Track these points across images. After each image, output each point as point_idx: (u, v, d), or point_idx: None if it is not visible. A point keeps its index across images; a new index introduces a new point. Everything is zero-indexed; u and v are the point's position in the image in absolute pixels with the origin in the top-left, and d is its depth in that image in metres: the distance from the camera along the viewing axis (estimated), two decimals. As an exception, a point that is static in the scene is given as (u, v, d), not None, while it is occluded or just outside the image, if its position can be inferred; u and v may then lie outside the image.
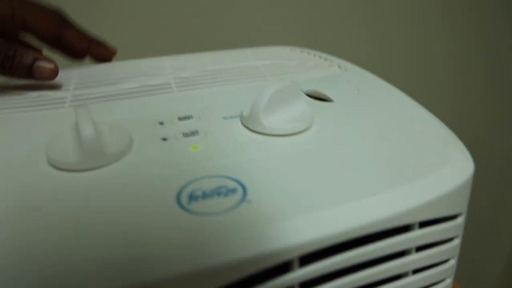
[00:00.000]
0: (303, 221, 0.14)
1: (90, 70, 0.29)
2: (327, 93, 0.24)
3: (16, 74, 0.24)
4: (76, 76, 0.28)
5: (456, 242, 0.19)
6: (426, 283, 0.18)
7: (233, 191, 0.16)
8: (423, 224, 0.17)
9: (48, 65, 0.24)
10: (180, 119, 0.21)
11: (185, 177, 0.17)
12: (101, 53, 0.30)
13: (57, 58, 0.26)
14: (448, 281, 0.20)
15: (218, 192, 0.16)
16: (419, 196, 0.16)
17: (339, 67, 0.29)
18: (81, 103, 0.23)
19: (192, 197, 0.15)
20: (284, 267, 0.14)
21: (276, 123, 0.20)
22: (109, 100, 0.24)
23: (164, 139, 0.20)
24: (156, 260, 0.13)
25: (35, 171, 0.17)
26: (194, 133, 0.20)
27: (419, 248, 0.17)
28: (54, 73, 0.24)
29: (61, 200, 0.15)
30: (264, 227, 0.14)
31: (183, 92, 0.25)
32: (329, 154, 0.18)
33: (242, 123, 0.21)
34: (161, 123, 0.21)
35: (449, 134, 0.20)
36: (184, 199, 0.15)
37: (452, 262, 0.19)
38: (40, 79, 0.25)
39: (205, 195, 0.16)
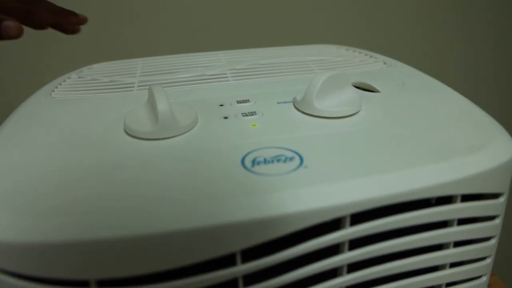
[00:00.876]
0: (354, 183, 0.16)
1: (152, 61, 0.32)
2: (374, 84, 0.26)
3: None
4: (140, 66, 0.31)
5: (497, 221, 0.20)
6: (468, 257, 0.20)
7: (291, 159, 0.18)
8: (466, 198, 0.18)
9: (12, 24, 0.24)
10: (238, 102, 0.24)
11: (247, 146, 0.19)
12: (71, 21, 0.28)
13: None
14: (488, 260, 0.21)
15: (278, 159, 0.18)
16: (462, 170, 0.18)
17: (384, 63, 0.31)
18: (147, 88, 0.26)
19: (255, 162, 0.18)
20: (335, 225, 0.16)
21: (327, 107, 0.22)
22: (172, 86, 0.27)
23: (226, 118, 0.22)
24: (219, 208, 0.15)
25: (116, 139, 0.20)
26: (252, 113, 0.22)
27: (461, 222, 0.19)
28: (20, 30, 0.25)
29: (141, 162, 0.18)
30: (318, 187, 0.16)
31: (239, 81, 0.27)
32: (377, 134, 0.20)
33: (295, 107, 0.23)
34: (221, 105, 0.24)
35: (491, 120, 0.22)
36: (248, 163, 0.18)
37: (493, 242, 0.20)
38: (7, 38, 0.25)
39: (266, 161, 0.18)
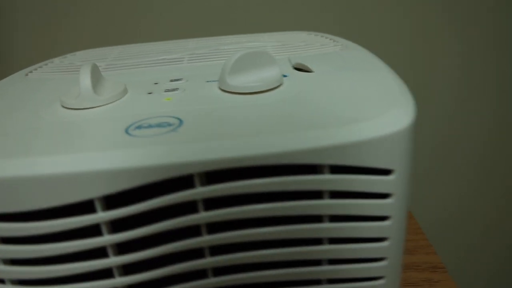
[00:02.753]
0: (211, 144, 0.18)
1: (129, 48, 0.36)
2: (310, 65, 0.26)
3: None
4: (116, 52, 0.35)
5: (390, 201, 0.19)
6: (352, 235, 0.20)
7: (171, 124, 0.20)
8: (339, 170, 0.18)
9: None
10: (172, 80, 0.26)
11: (143, 115, 0.21)
12: None
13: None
14: (384, 243, 0.20)
15: (160, 125, 0.20)
16: (329, 139, 0.18)
17: (343, 47, 0.30)
18: (111, 70, 0.30)
19: (138, 127, 0.20)
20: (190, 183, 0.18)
21: (241, 83, 0.23)
22: (131, 68, 0.30)
23: (150, 93, 0.24)
24: (81, 158, 0.18)
25: (50, 108, 0.23)
26: (174, 89, 0.24)
27: (338, 195, 0.19)
28: None
29: (46, 123, 0.21)
30: (174, 147, 0.18)
31: (192, 63, 0.30)
32: (272, 106, 0.21)
33: (218, 85, 0.24)
34: (156, 83, 0.26)
35: (404, 98, 0.21)
36: (131, 128, 0.20)
37: (387, 223, 0.20)
38: None
39: (149, 126, 0.20)
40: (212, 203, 0.18)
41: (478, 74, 0.58)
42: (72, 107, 0.23)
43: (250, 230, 0.19)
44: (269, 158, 0.17)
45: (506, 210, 0.68)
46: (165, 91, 0.24)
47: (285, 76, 0.25)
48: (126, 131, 0.20)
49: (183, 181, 0.18)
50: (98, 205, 0.18)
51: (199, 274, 0.20)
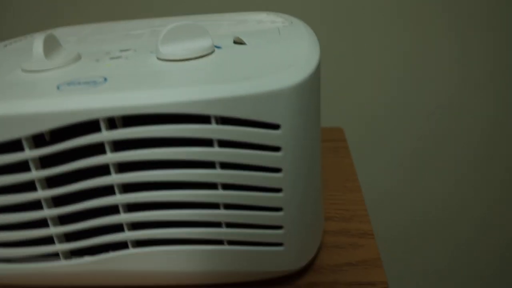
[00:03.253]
0: (115, 95, 0.21)
1: (105, 25, 0.40)
2: (246, 39, 0.29)
3: None
4: (91, 28, 0.39)
5: (279, 154, 0.22)
6: (241, 181, 0.22)
7: (96, 82, 0.23)
8: (227, 121, 0.21)
9: None
10: (121, 51, 0.30)
11: (79, 76, 0.25)
12: None
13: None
14: (280, 194, 0.23)
15: (87, 82, 0.23)
16: (220, 92, 0.21)
17: (289, 24, 0.33)
18: (82, 43, 0.34)
19: (69, 84, 0.23)
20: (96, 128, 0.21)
21: (171, 51, 0.26)
22: (97, 42, 0.33)
23: (97, 60, 0.28)
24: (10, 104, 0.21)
25: (13, 72, 0.27)
26: (118, 57, 0.28)
27: (228, 145, 0.22)
28: None
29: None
30: (85, 97, 0.21)
31: (149, 38, 0.33)
32: (192, 69, 0.24)
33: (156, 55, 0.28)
34: (107, 53, 0.30)
35: (304, 59, 0.23)
36: (62, 85, 0.23)
37: (280, 175, 0.22)
38: None
39: (78, 83, 0.23)
40: (119, 146, 0.22)
41: (475, 62, 0.58)
42: (26, 70, 0.27)
43: (154, 172, 0.22)
44: (164, 107, 0.21)
45: (499, 206, 0.67)
46: (110, 59, 0.28)
47: (218, 47, 0.28)
48: (58, 87, 0.23)
49: (91, 125, 0.21)
50: (25, 144, 0.22)
51: (112, 210, 0.24)
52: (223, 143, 0.22)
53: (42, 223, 0.24)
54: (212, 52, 0.27)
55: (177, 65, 0.25)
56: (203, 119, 0.21)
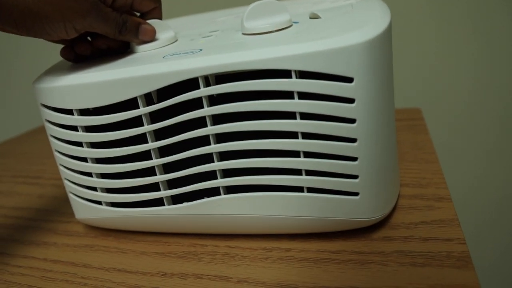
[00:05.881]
0: (211, 57, 0.25)
1: (192, 17, 0.45)
2: (321, 14, 0.32)
3: (127, 37, 0.31)
4: (181, 20, 0.45)
5: (353, 105, 0.25)
6: (322, 131, 0.25)
7: (194, 52, 0.28)
8: (306, 75, 0.24)
9: (150, 27, 0.31)
10: (211, 31, 0.35)
11: (179, 50, 0.30)
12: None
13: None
14: (355, 144, 0.26)
15: (186, 52, 0.28)
16: (300, 49, 0.24)
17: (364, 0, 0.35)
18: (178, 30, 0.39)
19: (172, 55, 0.28)
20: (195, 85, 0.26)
21: (255, 25, 0.30)
22: (187, 29, 0.39)
23: (192, 39, 0.33)
24: (135, 68, 0.27)
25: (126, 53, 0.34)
26: (209, 36, 0.33)
27: (309, 97, 0.25)
28: (154, 33, 0.32)
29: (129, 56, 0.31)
30: (186, 60, 0.26)
31: (234, 21, 0.38)
32: (273, 37, 0.28)
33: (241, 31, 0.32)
34: (199, 34, 0.35)
35: (374, 23, 0.26)
36: (168, 56, 0.29)
37: (354, 125, 0.25)
38: (144, 39, 0.31)
39: (179, 54, 0.28)
40: (214, 101, 0.26)
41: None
42: (138, 51, 0.33)
43: (245, 123, 0.26)
44: (250, 64, 0.25)
45: None
46: (202, 38, 0.33)
47: (296, 22, 0.32)
48: (164, 57, 0.28)
49: (191, 83, 0.26)
50: (140, 101, 0.27)
51: (208, 158, 0.28)
52: (303, 95, 0.25)
53: (150, 171, 0.29)
54: (291, 26, 0.31)
55: (260, 37, 0.29)
56: (284, 73, 0.25)
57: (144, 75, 0.27)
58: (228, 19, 0.40)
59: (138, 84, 0.27)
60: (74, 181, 0.32)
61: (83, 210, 0.33)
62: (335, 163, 0.26)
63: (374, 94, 0.25)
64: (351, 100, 0.25)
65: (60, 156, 0.32)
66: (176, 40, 0.34)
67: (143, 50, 0.32)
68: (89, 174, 0.31)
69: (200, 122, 0.27)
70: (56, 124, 0.31)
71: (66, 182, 0.33)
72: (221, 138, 0.27)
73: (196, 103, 0.27)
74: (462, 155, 0.65)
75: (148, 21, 0.32)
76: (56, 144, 0.31)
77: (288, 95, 0.25)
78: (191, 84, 0.26)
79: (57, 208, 0.42)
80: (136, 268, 0.31)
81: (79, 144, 0.30)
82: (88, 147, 0.30)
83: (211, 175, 0.29)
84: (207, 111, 0.26)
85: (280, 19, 0.30)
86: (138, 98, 0.27)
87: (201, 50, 0.28)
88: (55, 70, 0.32)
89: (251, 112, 0.26)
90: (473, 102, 0.61)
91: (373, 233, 0.30)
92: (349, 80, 0.25)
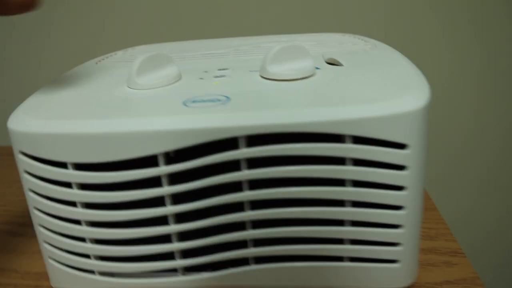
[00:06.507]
0: (252, 114, 0.22)
1: (182, 44, 0.41)
2: (341, 60, 0.31)
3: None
4: (170, 47, 0.40)
5: (405, 173, 0.23)
6: (369, 199, 0.23)
7: (220, 100, 0.24)
8: (359, 140, 0.22)
9: None
10: (220, 69, 0.31)
11: (198, 93, 0.26)
12: None
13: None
14: (402, 212, 0.24)
15: (211, 100, 0.25)
16: (353, 113, 0.22)
17: (373, 46, 0.34)
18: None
19: (194, 101, 0.25)
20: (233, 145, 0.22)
21: (279, 71, 0.28)
22: (184, 60, 0.35)
23: (201, 78, 0.29)
24: (148, 121, 0.22)
25: (120, 88, 0.29)
26: (222, 76, 0.29)
27: (359, 163, 0.23)
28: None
29: (116, 98, 0.26)
30: (223, 115, 0.22)
31: (236, 57, 0.34)
32: (304, 89, 0.25)
33: (259, 73, 0.29)
34: (206, 71, 0.31)
35: (418, 82, 0.25)
36: (188, 101, 0.25)
37: (404, 193, 0.23)
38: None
39: (202, 101, 0.24)
40: (253, 163, 0.23)
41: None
42: (135, 88, 0.28)
43: (286, 189, 0.23)
44: (301, 127, 0.22)
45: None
46: (214, 77, 0.29)
47: (317, 68, 0.30)
48: (184, 103, 0.24)
49: (229, 143, 0.22)
50: (160, 160, 0.23)
51: (239, 226, 0.24)
52: (355, 161, 0.23)
53: (165, 238, 0.25)
54: (315, 73, 0.28)
55: (287, 85, 0.26)
56: (335, 138, 0.22)
57: (169, 130, 0.22)
58: (228, 52, 0.36)
59: (160, 140, 0.22)
60: (58, 246, 0.26)
61: (65, 280, 0.27)
62: (380, 231, 0.24)
63: (424, 160, 0.24)
64: (401, 167, 0.23)
65: (40, 215, 0.26)
66: (181, 78, 0.30)
67: (143, 87, 0.27)
68: (81, 239, 0.26)
69: (231, 185, 0.24)
70: (39, 178, 0.25)
71: (45, 245, 0.27)
72: (257, 204, 0.24)
73: (227, 164, 0.23)
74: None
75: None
76: (37, 201, 0.26)
77: (336, 160, 0.23)
78: (223, 142, 0.23)
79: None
80: None
81: (71, 203, 0.25)
82: (82, 207, 0.25)
83: (239, 243, 0.25)
84: (246, 174, 0.23)
85: (304, 65, 0.28)
86: (158, 155, 0.23)
87: (228, 98, 0.25)
88: (40, 106, 0.26)
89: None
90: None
91: (402, 297, 0.28)
92: (402, 146, 0.23)
